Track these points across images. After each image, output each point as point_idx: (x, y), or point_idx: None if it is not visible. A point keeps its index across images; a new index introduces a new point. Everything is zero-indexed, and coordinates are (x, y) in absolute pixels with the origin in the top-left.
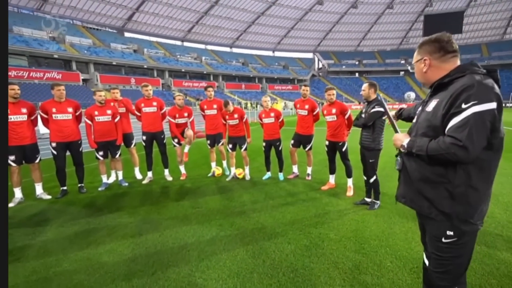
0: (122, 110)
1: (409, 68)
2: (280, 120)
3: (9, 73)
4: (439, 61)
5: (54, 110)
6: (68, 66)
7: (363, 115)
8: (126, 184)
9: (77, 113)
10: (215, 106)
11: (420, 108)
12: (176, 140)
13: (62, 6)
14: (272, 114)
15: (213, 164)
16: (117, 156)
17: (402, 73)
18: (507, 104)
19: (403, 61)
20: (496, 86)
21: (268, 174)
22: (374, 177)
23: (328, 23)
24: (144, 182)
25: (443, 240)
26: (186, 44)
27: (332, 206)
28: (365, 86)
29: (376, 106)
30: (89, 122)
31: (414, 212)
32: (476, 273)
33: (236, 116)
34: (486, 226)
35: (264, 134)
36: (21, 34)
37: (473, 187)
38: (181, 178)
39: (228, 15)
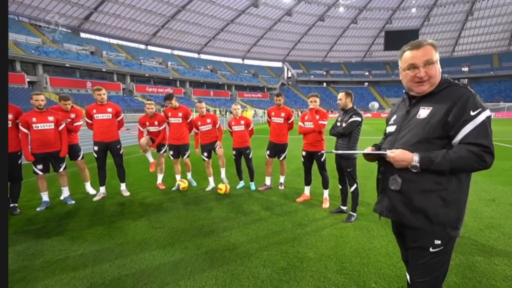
0: (67, 121)
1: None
2: (250, 128)
3: None
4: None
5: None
6: (11, 66)
7: (338, 124)
8: (73, 202)
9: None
10: (180, 114)
11: (401, 118)
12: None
13: None
14: (242, 122)
15: (178, 177)
16: (61, 170)
17: (366, 84)
18: None
19: (366, 73)
20: None
21: (241, 183)
22: (355, 185)
23: (297, 34)
24: (95, 199)
25: (431, 250)
26: (150, 48)
27: (309, 220)
28: (341, 95)
29: (353, 116)
30: (25, 130)
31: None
32: None
33: (208, 121)
34: (460, 234)
35: (233, 142)
36: None
37: (462, 192)
38: (162, 187)
39: (196, 21)
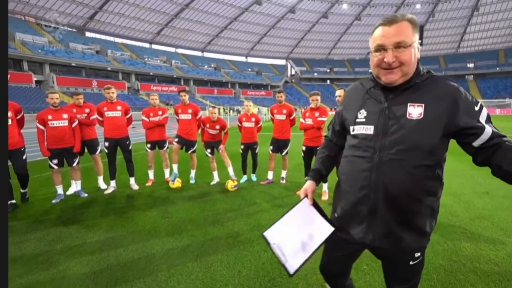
0: (82, 116)
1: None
2: (259, 125)
3: None
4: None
5: None
6: (19, 66)
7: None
8: (85, 195)
9: (18, 117)
10: (190, 110)
11: (377, 116)
12: (149, 145)
13: (11, 1)
14: (253, 119)
15: (174, 167)
16: (75, 164)
17: None
18: None
19: (371, 70)
20: None
21: (245, 177)
22: None
23: (300, 31)
24: (107, 192)
25: (411, 263)
26: (154, 46)
27: None
28: (340, 92)
29: None
30: (42, 127)
31: None
32: (445, 270)
33: (217, 127)
34: (451, 223)
35: (242, 137)
36: None
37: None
38: (147, 184)
39: (200, 19)
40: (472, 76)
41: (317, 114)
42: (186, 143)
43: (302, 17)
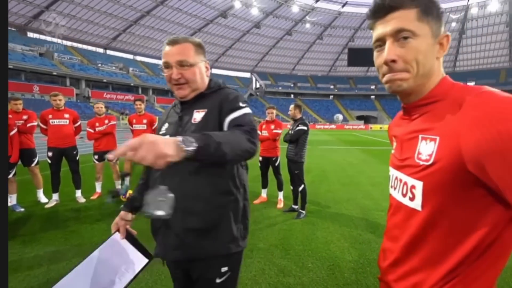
0: (19, 122)
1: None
2: None
3: None
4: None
5: None
6: None
7: (290, 132)
8: (22, 209)
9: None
10: (145, 121)
11: (174, 126)
12: (96, 157)
13: None
14: None
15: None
16: (10, 176)
17: (331, 97)
18: None
19: (332, 86)
20: None
21: None
22: (302, 186)
23: (265, 46)
24: (48, 206)
25: (217, 281)
26: (110, 52)
27: (263, 218)
28: (291, 107)
29: (300, 125)
30: None
31: (336, 214)
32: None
33: None
34: (373, 217)
35: None
36: None
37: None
38: (93, 197)
39: (162, 27)
40: None
41: (272, 126)
42: None
43: (267, 32)
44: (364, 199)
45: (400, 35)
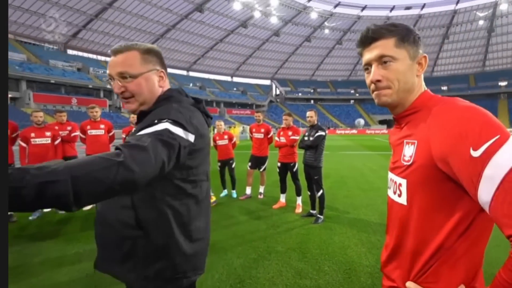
0: (64, 133)
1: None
2: (233, 141)
3: None
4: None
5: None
6: None
7: (306, 138)
8: (63, 211)
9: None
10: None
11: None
12: None
13: None
14: (226, 137)
15: None
16: None
17: (352, 101)
18: None
19: (352, 91)
20: None
21: (225, 191)
22: (321, 191)
23: (284, 53)
24: (86, 208)
25: None
26: None
27: (281, 222)
28: (312, 113)
29: (319, 131)
30: (24, 145)
31: (355, 220)
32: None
33: (226, 137)
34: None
35: (218, 155)
36: None
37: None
38: None
39: (186, 40)
40: None
41: (290, 133)
42: None
43: (286, 40)
44: (384, 205)
45: (382, 60)
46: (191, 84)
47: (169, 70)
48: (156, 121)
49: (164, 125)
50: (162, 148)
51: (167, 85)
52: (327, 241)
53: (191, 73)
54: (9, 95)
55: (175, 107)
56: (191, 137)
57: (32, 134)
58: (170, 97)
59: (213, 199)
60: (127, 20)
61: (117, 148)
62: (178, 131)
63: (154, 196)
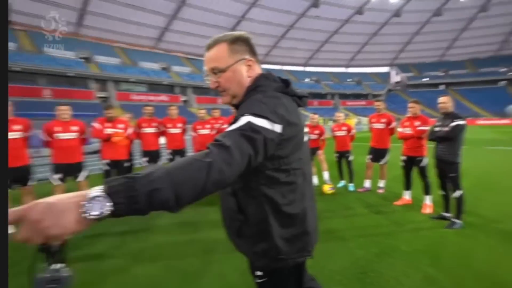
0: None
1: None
2: (351, 133)
3: (132, 97)
4: None
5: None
6: (172, 90)
7: (437, 129)
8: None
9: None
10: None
11: None
12: None
13: (170, 43)
14: (344, 128)
15: None
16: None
17: (501, 82)
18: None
19: (503, 69)
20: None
21: (342, 182)
22: (460, 192)
23: (406, 34)
24: None
25: (257, 281)
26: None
27: (406, 221)
28: (446, 99)
29: (456, 120)
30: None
31: (509, 233)
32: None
33: (316, 132)
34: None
35: (336, 146)
36: (142, 67)
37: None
38: None
39: (303, 37)
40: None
41: (417, 123)
42: None
43: (409, 19)
44: None
45: None
46: (307, 79)
47: (286, 67)
48: (240, 116)
49: (247, 119)
50: (247, 143)
51: (256, 73)
52: (468, 251)
53: (307, 68)
54: (182, 99)
55: (259, 98)
56: (278, 128)
57: (57, 128)
58: (257, 87)
59: (329, 186)
60: (254, 27)
61: (208, 146)
62: (262, 123)
63: (249, 185)
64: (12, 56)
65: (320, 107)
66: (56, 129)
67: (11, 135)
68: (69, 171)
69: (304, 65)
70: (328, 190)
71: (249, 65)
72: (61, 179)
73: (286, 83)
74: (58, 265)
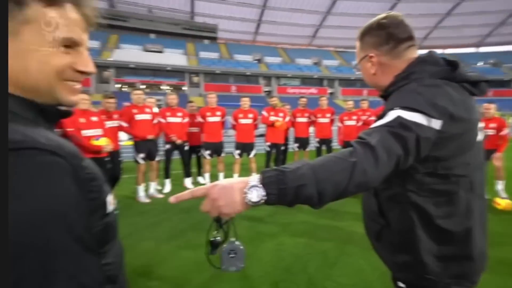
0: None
1: None
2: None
3: (288, 91)
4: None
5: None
6: (321, 83)
7: None
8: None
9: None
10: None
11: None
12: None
13: (324, 39)
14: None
15: None
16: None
17: None
18: None
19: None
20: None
21: None
22: None
23: None
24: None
25: None
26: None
27: None
28: None
29: None
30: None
31: None
32: None
33: (492, 125)
34: None
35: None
36: (297, 63)
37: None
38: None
39: (476, 9)
40: None
41: None
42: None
43: None
44: None
45: None
46: (479, 63)
47: (453, 50)
48: (389, 110)
49: (397, 114)
50: (395, 142)
51: (405, 59)
52: None
53: (482, 49)
54: (329, 91)
55: (413, 88)
56: (436, 123)
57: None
58: (410, 74)
59: (506, 202)
60: (412, 8)
61: (353, 144)
62: (415, 118)
63: (393, 189)
64: (215, 62)
65: (499, 98)
66: (240, 115)
67: (214, 119)
68: (244, 149)
69: (478, 45)
70: (505, 205)
71: (371, 61)
72: (239, 155)
73: (453, 65)
74: (235, 240)
